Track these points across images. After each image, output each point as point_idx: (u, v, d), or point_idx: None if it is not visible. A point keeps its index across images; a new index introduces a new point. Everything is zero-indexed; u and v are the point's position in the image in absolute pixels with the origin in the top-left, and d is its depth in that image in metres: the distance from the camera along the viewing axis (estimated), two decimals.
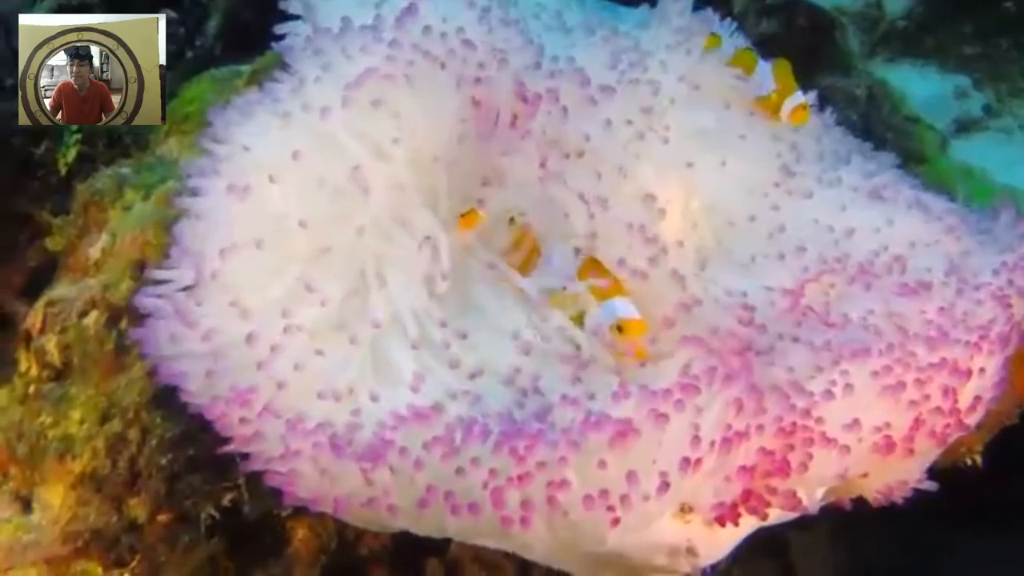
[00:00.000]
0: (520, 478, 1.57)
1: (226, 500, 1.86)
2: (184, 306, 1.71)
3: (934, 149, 3.41)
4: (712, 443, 1.64)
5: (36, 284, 2.35)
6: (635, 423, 1.58)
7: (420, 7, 1.92)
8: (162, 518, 1.88)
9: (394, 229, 1.85)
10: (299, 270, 1.77)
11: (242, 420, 1.66)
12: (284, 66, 1.93)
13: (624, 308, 1.74)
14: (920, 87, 3.63)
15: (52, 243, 2.43)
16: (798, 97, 2.21)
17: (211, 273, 1.73)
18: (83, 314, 2.04)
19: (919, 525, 1.99)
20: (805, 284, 1.97)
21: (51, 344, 2.06)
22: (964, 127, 3.64)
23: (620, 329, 1.72)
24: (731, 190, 2.10)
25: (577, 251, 1.87)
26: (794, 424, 1.72)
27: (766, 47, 2.39)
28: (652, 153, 2.04)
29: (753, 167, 2.14)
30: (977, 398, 1.91)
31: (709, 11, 2.30)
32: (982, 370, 1.92)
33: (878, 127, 3.32)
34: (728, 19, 2.36)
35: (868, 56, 3.71)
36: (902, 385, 1.81)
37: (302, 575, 1.93)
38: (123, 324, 1.99)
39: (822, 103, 2.40)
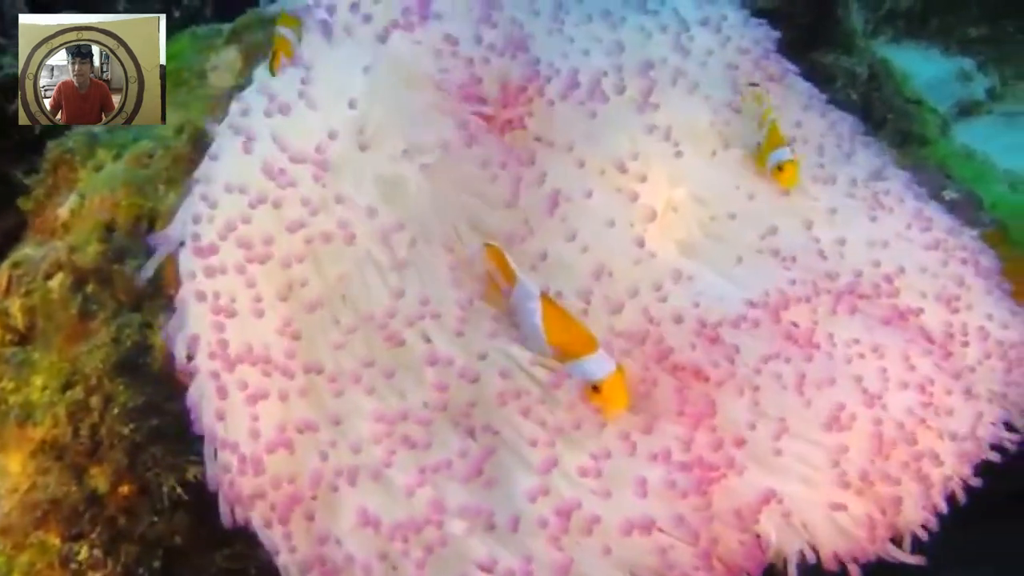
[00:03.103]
0: None
1: (190, 474, 1.80)
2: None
3: (935, 131, 3.37)
4: None
5: (9, 245, 2.28)
6: None
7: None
8: (123, 489, 1.82)
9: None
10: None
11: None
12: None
13: (600, 367, 1.63)
14: (923, 68, 3.58)
15: (24, 203, 2.35)
16: (785, 154, 2.06)
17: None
18: (48, 276, 1.97)
19: None
20: (787, 302, 1.91)
21: (15, 307, 1.99)
22: (966, 110, 3.60)
23: (596, 389, 1.62)
24: (717, 184, 2.04)
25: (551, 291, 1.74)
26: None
27: (767, 23, 2.32)
28: (640, 141, 1.98)
29: (743, 161, 2.08)
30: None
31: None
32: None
33: (878, 108, 3.27)
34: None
35: (871, 35, 3.66)
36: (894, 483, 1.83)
37: (266, 553, 1.86)
38: (89, 288, 1.93)
39: (822, 81, 2.33)
